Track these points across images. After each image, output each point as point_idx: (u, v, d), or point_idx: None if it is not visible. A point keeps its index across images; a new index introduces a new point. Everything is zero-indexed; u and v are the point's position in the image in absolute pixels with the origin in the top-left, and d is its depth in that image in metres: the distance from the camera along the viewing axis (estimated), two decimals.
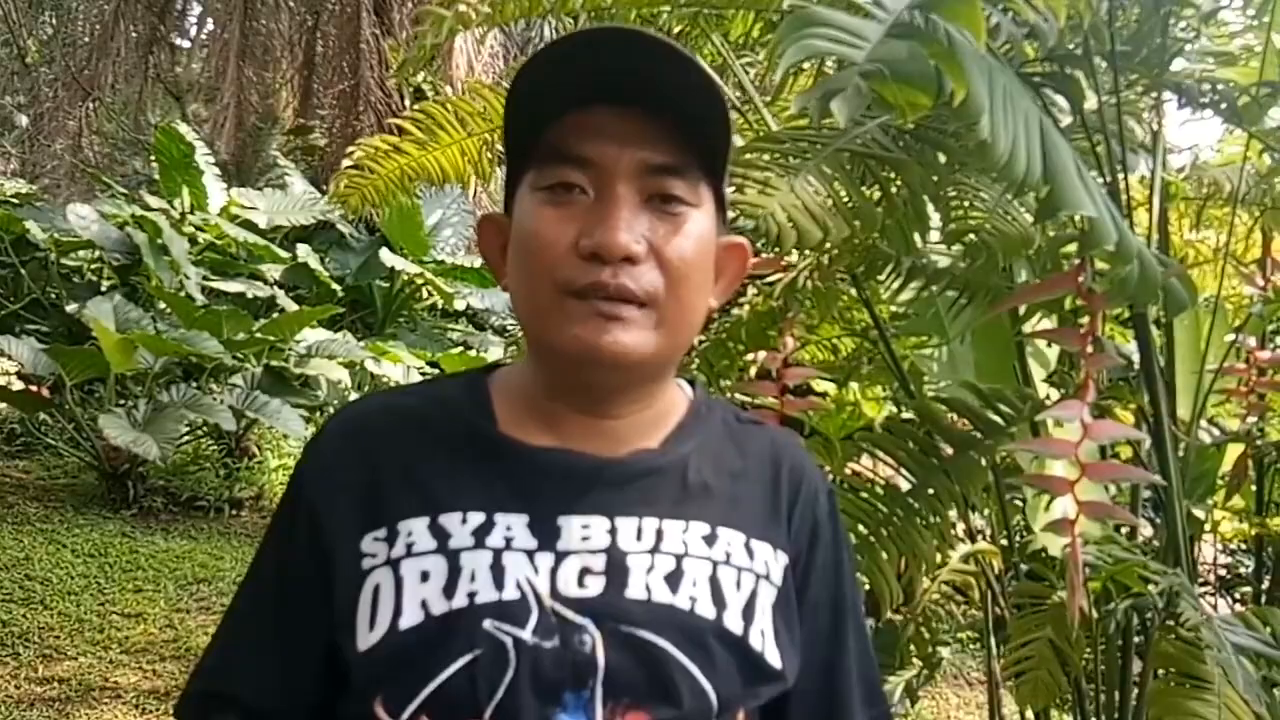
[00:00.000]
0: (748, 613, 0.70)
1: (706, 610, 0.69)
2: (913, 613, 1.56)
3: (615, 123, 0.67)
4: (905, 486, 1.35)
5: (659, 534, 0.70)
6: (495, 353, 6.04)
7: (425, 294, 7.00)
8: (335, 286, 6.32)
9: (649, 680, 0.66)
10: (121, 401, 4.65)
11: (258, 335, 4.82)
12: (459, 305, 6.85)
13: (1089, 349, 1.16)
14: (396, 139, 1.78)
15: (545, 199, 0.68)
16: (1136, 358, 1.33)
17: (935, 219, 1.31)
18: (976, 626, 1.68)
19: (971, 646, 3.57)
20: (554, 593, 0.66)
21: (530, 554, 0.67)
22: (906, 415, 1.60)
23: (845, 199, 1.15)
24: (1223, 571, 2.43)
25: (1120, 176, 1.29)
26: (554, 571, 0.67)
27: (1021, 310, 1.43)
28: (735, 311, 1.60)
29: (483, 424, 0.73)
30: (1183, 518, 1.33)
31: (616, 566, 0.68)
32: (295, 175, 7.36)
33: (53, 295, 5.49)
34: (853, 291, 1.55)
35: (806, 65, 1.39)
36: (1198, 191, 1.57)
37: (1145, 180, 1.43)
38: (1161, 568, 1.25)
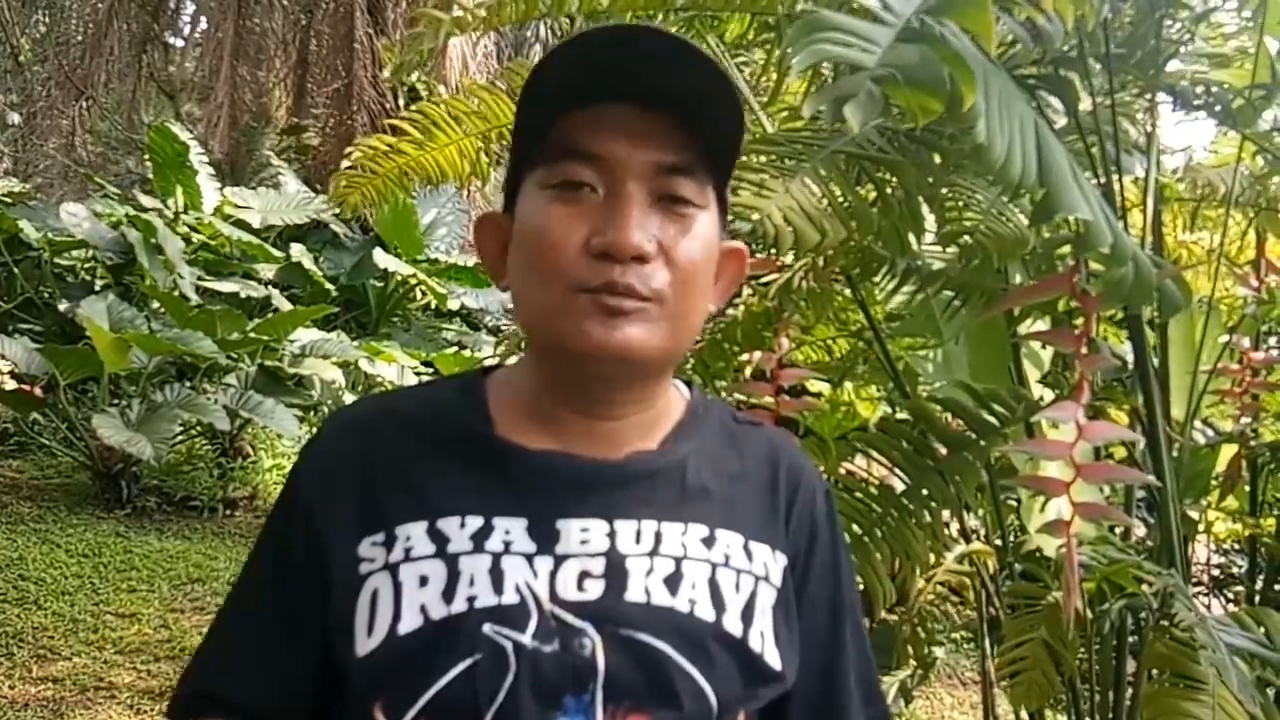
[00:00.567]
0: (747, 614, 0.70)
1: (706, 613, 0.69)
2: (908, 613, 1.56)
3: (627, 121, 0.67)
4: (900, 487, 1.35)
5: (658, 536, 0.70)
6: (490, 352, 6.04)
7: (419, 294, 6.99)
8: (329, 286, 6.31)
9: (649, 683, 0.66)
10: (115, 401, 4.63)
11: (252, 335, 4.80)
12: (453, 305, 6.85)
13: (1084, 350, 1.17)
14: (394, 139, 1.78)
15: (554, 196, 0.67)
16: (1131, 359, 1.34)
17: (930, 221, 1.31)
18: (971, 626, 1.69)
19: (966, 646, 3.57)
20: (553, 596, 0.66)
21: (529, 558, 0.67)
22: (901, 416, 1.60)
23: (841, 201, 1.16)
24: (1216, 572, 2.44)
25: (1115, 178, 1.29)
26: (553, 575, 0.67)
27: (1016, 311, 1.43)
28: (731, 312, 1.60)
29: (480, 427, 0.73)
30: (1177, 518, 1.34)
31: (616, 570, 0.67)
32: (289, 175, 7.35)
33: (46, 295, 5.48)
34: (848, 293, 1.55)
35: (805, 69, 1.39)
36: (1192, 193, 1.57)
37: (1139, 182, 1.44)
38: (1156, 568, 1.25)
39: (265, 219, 6.47)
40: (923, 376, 1.66)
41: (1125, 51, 1.27)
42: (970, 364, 1.55)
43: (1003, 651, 1.37)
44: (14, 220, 5.27)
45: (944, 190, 1.28)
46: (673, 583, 0.68)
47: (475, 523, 0.68)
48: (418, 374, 5.50)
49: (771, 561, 0.74)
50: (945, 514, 1.37)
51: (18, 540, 4.12)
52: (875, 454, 1.38)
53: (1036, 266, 1.37)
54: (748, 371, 1.58)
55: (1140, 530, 1.62)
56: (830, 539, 0.79)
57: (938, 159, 1.23)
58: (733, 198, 1.09)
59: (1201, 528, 1.69)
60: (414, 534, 0.68)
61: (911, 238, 1.26)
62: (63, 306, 5.08)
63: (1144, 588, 1.28)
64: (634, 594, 0.67)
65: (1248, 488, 1.70)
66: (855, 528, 1.33)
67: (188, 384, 4.74)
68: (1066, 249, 1.27)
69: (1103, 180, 1.29)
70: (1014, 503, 1.59)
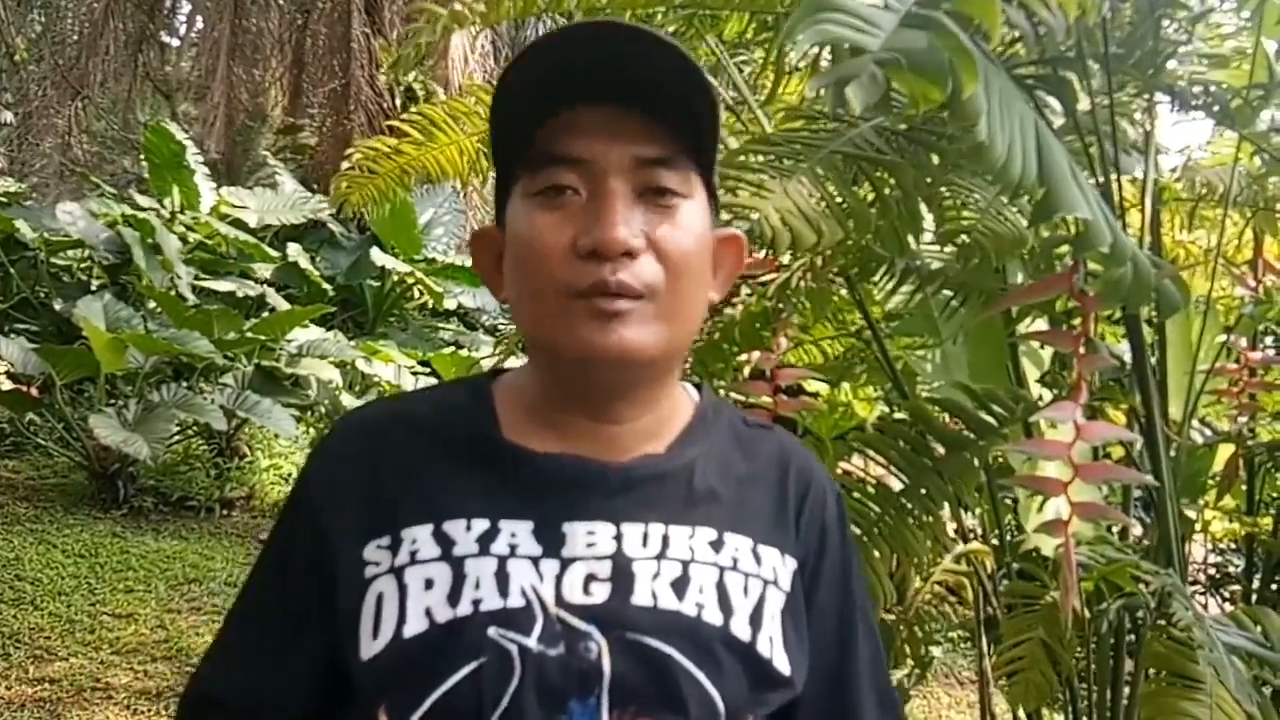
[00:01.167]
0: (755, 619, 0.70)
1: (713, 617, 0.68)
2: (905, 613, 1.56)
3: (601, 119, 0.66)
4: (897, 487, 1.35)
5: (665, 540, 0.69)
6: (487, 352, 6.03)
7: (417, 293, 6.98)
8: (326, 286, 6.30)
9: (656, 688, 0.65)
10: (112, 401, 4.62)
11: (248, 335, 4.79)
12: (450, 304, 6.84)
13: (1082, 350, 1.17)
14: (396, 141, 1.79)
15: (539, 204, 0.67)
16: (1129, 358, 1.34)
17: (929, 220, 1.31)
18: (967, 626, 1.69)
19: (963, 645, 3.57)
20: (559, 600, 0.66)
21: (535, 561, 0.67)
22: (899, 415, 1.60)
23: (839, 201, 1.15)
24: (1212, 571, 2.44)
25: (1113, 178, 1.29)
26: (559, 578, 0.66)
27: (1015, 311, 1.43)
28: (729, 312, 1.60)
29: (487, 430, 0.73)
30: (1175, 518, 1.34)
31: (622, 573, 0.67)
32: (285, 174, 7.33)
33: (42, 294, 5.46)
34: (846, 293, 1.55)
35: (803, 64, 1.40)
36: (1190, 192, 1.57)
37: (1137, 182, 1.44)
38: (1154, 568, 1.25)
39: (262, 218, 6.46)
40: (921, 376, 1.65)
41: (1123, 51, 1.27)
42: (969, 364, 1.55)
43: (1000, 651, 1.37)
44: (10, 220, 5.25)
45: (942, 190, 1.27)
46: (680, 586, 0.68)
47: (481, 525, 0.68)
48: (415, 374, 5.50)
49: (780, 565, 0.73)
50: (944, 513, 1.37)
51: (14, 540, 4.11)
52: (873, 454, 1.38)
53: (1035, 266, 1.37)
54: (746, 371, 1.58)
55: (1137, 530, 1.62)
56: (841, 542, 0.79)
57: (935, 159, 1.23)
58: (730, 198, 1.09)
59: (1198, 527, 1.69)
60: (419, 537, 0.68)
61: (910, 237, 1.26)
62: (59, 306, 5.07)
63: (1141, 587, 1.28)
64: (641, 597, 0.67)
65: (1245, 487, 1.70)
66: (854, 528, 1.32)
67: (184, 384, 4.73)
68: (1065, 248, 1.27)
69: (1101, 180, 1.29)
70: (1010, 502, 1.59)
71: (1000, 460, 1.44)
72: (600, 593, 0.66)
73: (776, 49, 1.50)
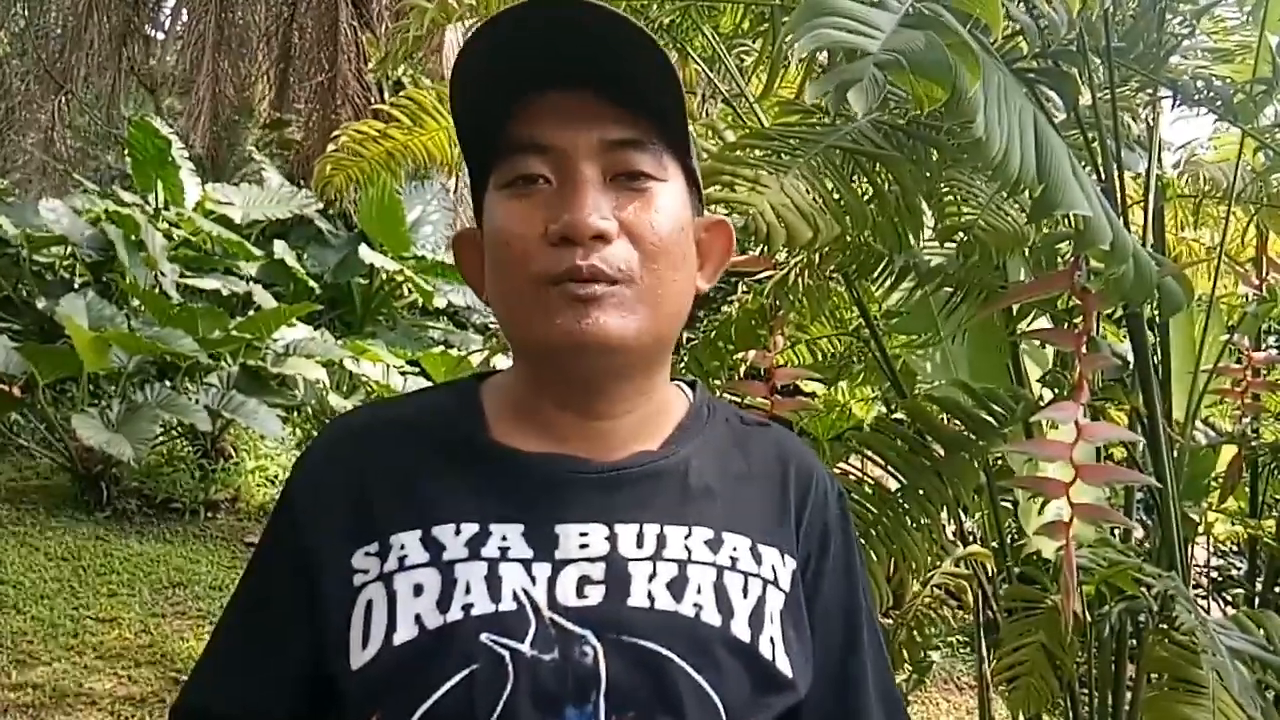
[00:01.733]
0: (756, 620, 0.68)
1: (712, 618, 0.66)
2: (904, 616, 1.54)
3: (566, 104, 0.65)
4: (895, 487, 1.33)
5: (660, 540, 0.67)
6: (476, 350, 5.99)
7: (405, 291, 6.94)
8: (312, 284, 6.25)
9: (654, 692, 0.63)
10: (95, 401, 4.57)
11: (234, 333, 4.75)
12: (439, 303, 6.80)
13: (1083, 349, 1.15)
14: (383, 125, 1.76)
15: (509, 194, 0.67)
16: (1131, 358, 1.32)
17: (928, 216, 1.29)
18: (965, 630, 1.67)
19: (961, 650, 3.57)
20: (552, 603, 0.64)
21: (527, 564, 0.65)
22: (897, 415, 1.59)
23: (836, 196, 1.13)
24: (1213, 574, 2.43)
25: (1115, 174, 1.27)
26: (552, 581, 0.65)
27: (1015, 309, 1.42)
28: (726, 310, 1.57)
29: (474, 431, 0.71)
30: (1178, 520, 1.32)
31: (617, 575, 0.65)
32: (271, 169, 7.28)
33: (24, 292, 5.40)
34: (844, 290, 1.53)
35: (803, 58, 1.38)
36: (1193, 188, 1.56)
37: (1139, 178, 1.42)
38: (1156, 571, 1.24)
39: (247, 214, 6.41)
40: (921, 376, 1.64)
41: (1126, 45, 1.25)
42: (970, 362, 1.53)
43: (1000, 655, 1.35)
44: None
45: (941, 185, 1.25)
46: (677, 587, 0.66)
47: (470, 529, 0.66)
48: (403, 374, 5.45)
49: (780, 565, 0.71)
50: (943, 516, 1.35)
51: None
52: (871, 454, 1.36)
53: (1036, 263, 1.35)
54: (743, 370, 1.56)
55: (1139, 532, 1.60)
56: (843, 541, 0.77)
57: (934, 154, 1.21)
58: (726, 194, 1.07)
59: (1200, 529, 1.67)
60: (408, 543, 0.66)
61: (909, 234, 1.24)
62: (41, 304, 5.01)
63: (1143, 590, 1.27)
64: (637, 599, 0.65)
65: (1247, 489, 1.68)
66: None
67: (168, 384, 4.68)
68: (1066, 245, 1.25)
69: (1103, 176, 1.27)
70: (1007, 504, 1.57)
71: (1000, 462, 1.43)
72: (595, 595, 0.65)
73: (774, 44, 1.48)
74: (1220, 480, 1.59)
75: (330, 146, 1.82)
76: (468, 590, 0.64)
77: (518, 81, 0.65)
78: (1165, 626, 1.30)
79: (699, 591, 0.66)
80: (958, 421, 1.32)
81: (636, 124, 0.66)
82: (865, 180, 1.20)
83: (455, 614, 0.64)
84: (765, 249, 1.21)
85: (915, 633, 1.56)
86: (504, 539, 0.66)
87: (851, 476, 1.47)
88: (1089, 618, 1.31)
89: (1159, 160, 1.41)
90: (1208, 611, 1.97)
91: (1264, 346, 1.58)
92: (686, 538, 0.68)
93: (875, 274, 1.42)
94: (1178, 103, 1.32)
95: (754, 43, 1.58)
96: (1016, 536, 1.56)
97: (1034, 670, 1.32)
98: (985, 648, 1.61)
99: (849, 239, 1.27)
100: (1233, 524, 1.65)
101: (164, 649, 3.34)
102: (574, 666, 0.63)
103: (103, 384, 4.77)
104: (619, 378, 0.69)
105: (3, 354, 4.33)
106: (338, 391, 5.32)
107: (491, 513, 0.67)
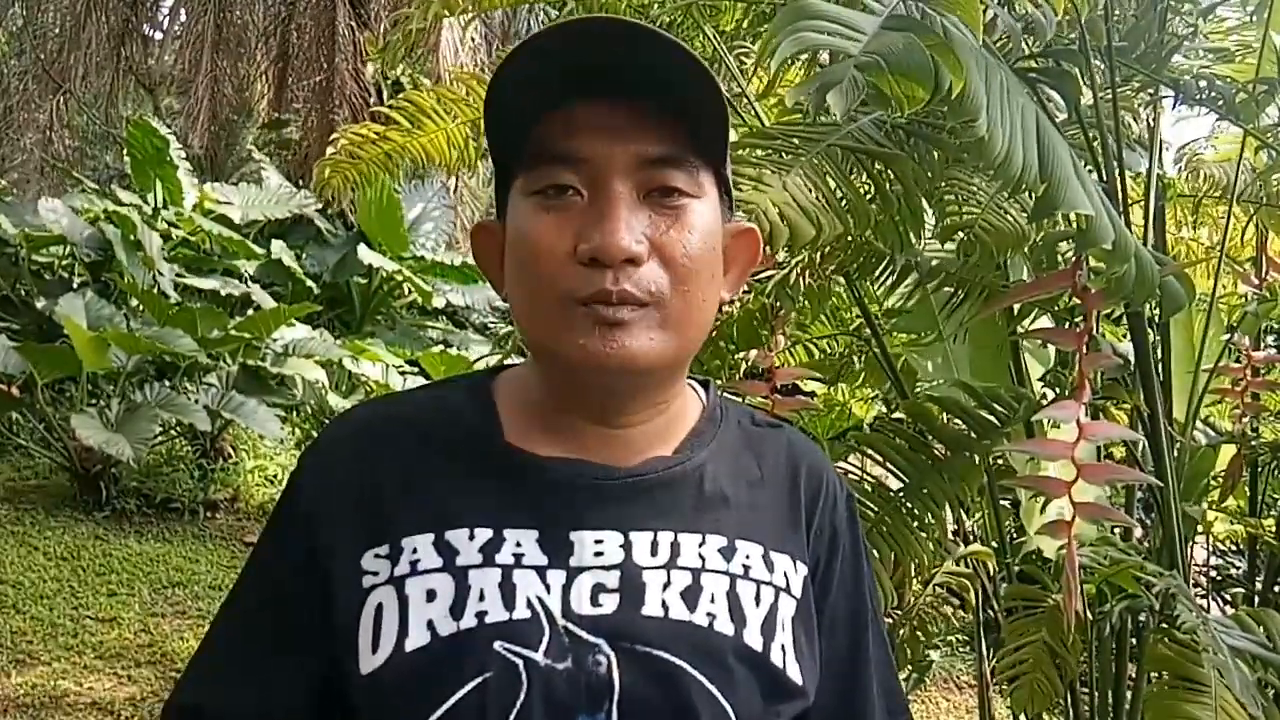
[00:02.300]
0: (768, 628, 0.68)
1: (725, 627, 0.66)
2: (905, 615, 1.54)
3: (604, 116, 0.64)
4: (897, 487, 1.33)
5: (674, 548, 0.67)
6: (476, 350, 5.99)
7: (405, 291, 6.93)
8: (311, 284, 6.24)
9: (667, 702, 0.63)
10: (94, 401, 4.56)
11: (233, 333, 4.74)
12: (438, 303, 6.79)
13: (1085, 348, 1.15)
14: (382, 127, 1.75)
15: (538, 203, 0.65)
16: (1131, 357, 1.32)
17: (929, 215, 1.29)
18: (966, 630, 1.67)
19: (961, 650, 3.57)
20: (566, 612, 0.64)
21: (541, 571, 0.65)
22: (898, 415, 1.58)
23: (838, 195, 1.13)
24: (1213, 573, 2.43)
25: (1116, 173, 1.28)
26: (566, 589, 0.64)
27: (1016, 308, 1.42)
28: (727, 309, 1.57)
29: (489, 433, 0.70)
30: (1179, 519, 1.32)
31: (631, 583, 0.65)
32: (270, 169, 7.27)
33: (23, 292, 5.39)
34: (845, 290, 1.53)
35: (804, 56, 1.37)
36: (1194, 187, 1.56)
37: (1140, 177, 1.42)
38: (1158, 569, 1.24)
39: (246, 214, 6.40)
40: (921, 375, 1.64)
41: (1128, 45, 1.25)
42: (971, 361, 1.53)
43: (1002, 654, 1.36)
44: None
45: (942, 184, 1.25)
46: (691, 596, 0.66)
47: (485, 534, 0.66)
48: (402, 373, 5.45)
49: (792, 572, 0.71)
50: (944, 515, 1.35)
51: None
52: (872, 453, 1.36)
53: (1038, 262, 1.35)
54: (744, 369, 1.56)
55: (1139, 531, 1.61)
56: (852, 544, 0.77)
57: (936, 153, 1.21)
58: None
59: (1200, 528, 1.67)
60: (420, 546, 0.65)
61: (910, 233, 1.24)
62: (40, 304, 5.00)
63: (1144, 589, 1.27)
64: (651, 608, 0.65)
65: (1247, 488, 1.69)
66: None
67: (167, 383, 4.67)
68: (1068, 244, 1.25)
69: (1104, 176, 1.27)
70: (1007, 504, 1.57)
71: (1002, 461, 1.43)
72: (609, 604, 0.64)
73: (764, 41, 1.48)
74: (1220, 479, 1.59)
75: (329, 150, 1.81)
76: (482, 597, 0.63)
77: (557, 86, 0.64)
78: (1166, 625, 1.30)
79: (712, 601, 0.66)
80: (959, 421, 1.32)
81: (674, 140, 0.65)
82: (867, 178, 1.20)
83: (469, 621, 0.63)
84: (768, 248, 1.21)
85: (918, 631, 1.56)
86: (518, 545, 0.65)
87: (852, 476, 1.47)
88: (1090, 616, 1.31)
89: (1160, 159, 1.41)
90: (1207, 610, 1.97)
91: (1264, 346, 1.58)
92: (700, 545, 0.68)
93: (876, 273, 1.42)
94: (1179, 102, 1.33)
95: (754, 43, 1.58)
96: (1017, 535, 1.56)
97: (1036, 669, 1.32)
98: (985, 647, 1.61)
99: (851, 238, 1.27)
100: (1232, 523, 1.65)
101: (163, 649, 3.33)
102: (587, 675, 0.62)
103: (102, 384, 4.76)
104: (638, 392, 0.68)
105: (1, 354, 4.32)
106: (337, 391, 5.32)
107: (506, 518, 0.66)
